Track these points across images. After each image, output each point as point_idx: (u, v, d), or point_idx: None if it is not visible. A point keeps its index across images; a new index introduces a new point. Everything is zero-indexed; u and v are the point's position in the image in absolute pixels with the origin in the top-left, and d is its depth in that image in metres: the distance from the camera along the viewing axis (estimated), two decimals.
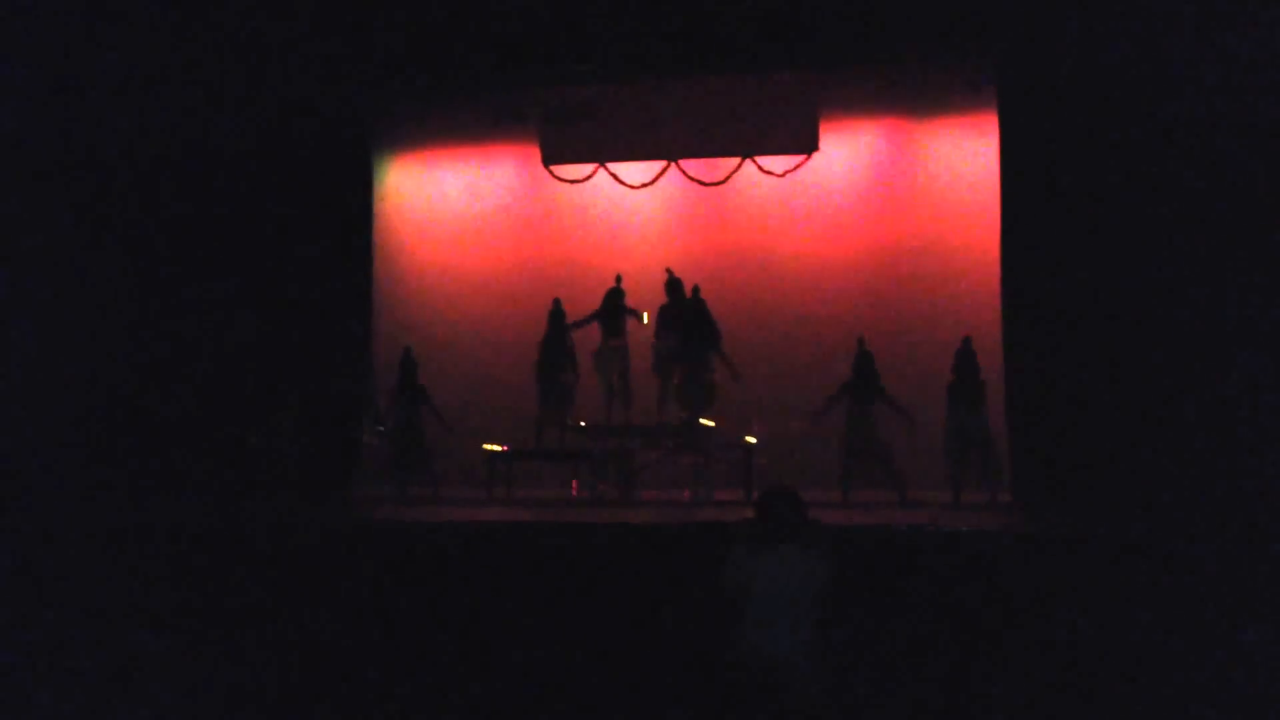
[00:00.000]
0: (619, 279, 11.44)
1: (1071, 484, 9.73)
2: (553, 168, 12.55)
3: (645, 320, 11.41)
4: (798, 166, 12.02)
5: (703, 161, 12.34)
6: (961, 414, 10.16)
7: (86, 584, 7.64)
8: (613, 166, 12.47)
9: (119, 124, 11.58)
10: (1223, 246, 9.46)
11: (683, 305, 11.24)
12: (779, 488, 5.26)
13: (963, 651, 6.55)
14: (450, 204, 13.37)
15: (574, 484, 11.16)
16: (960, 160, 11.93)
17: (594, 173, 12.52)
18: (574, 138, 12.28)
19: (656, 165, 12.38)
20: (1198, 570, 6.81)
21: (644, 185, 12.46)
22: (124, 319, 11.55)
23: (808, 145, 11.82)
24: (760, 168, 12.15)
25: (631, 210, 12.75)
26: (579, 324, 11.41)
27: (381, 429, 11.55)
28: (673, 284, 11.34)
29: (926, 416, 10.33)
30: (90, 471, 10.79)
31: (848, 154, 12.30)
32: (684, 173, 12.36)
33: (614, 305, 11.40)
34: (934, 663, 6.49)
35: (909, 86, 11.92)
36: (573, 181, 12.60)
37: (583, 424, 11.26)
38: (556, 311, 11.48)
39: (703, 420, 10.88)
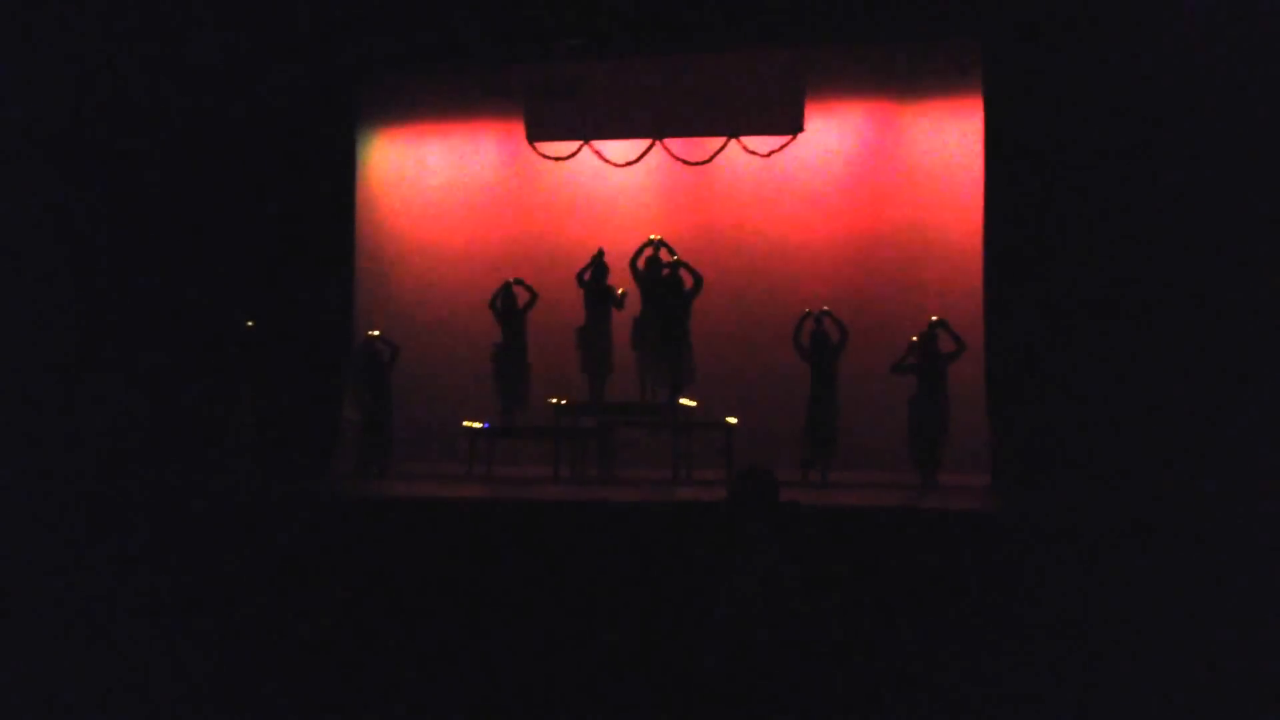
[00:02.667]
0: (601, 253, 11.38)
1: (1052, 467, 9.79)
2: (537, 144, 12.48)
3: (621, 295, 11.33)
4: (782, 147, 11.97)
5: (687, 140, 12.28)
6: (923, 397, 10.27)
7: (63, 563, 7.60)
8: (597, 144, 12.40)
9: (96, 96, 11.47)
10: (1207, 231, 9.51)
11: (659, 282, 11.19)
12: (753, 469, 5.19)
13: (938, 635, 6.57)
14: (434, 180, 13.30)
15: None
16: (945, 143, 11.90)
17: (578, 150, 12.46)
18: (559, 115, 12.20)
19: (641, 143, 12.32)
20: (1178, 554, 6.85)
21: (628, 163, 12.41)
22: (100, 295, 11.45)
23: (793, 126, 11.77)
24: (745, 147, 12.09)
25: (615, 188, 12.70)
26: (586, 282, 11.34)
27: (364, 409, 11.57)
28: (651, 261, 11.29)
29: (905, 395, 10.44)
30: (69, 450, 10.71)
31: (833, 135, 12.26)
32: (668, 151, 12.31)
33: (598, 283, 11.35)
34: (910, 647, 6.51)
35: (895, 68, 11.90)
36: (557, 159, 12.54)
37: (563, 401, 11.23)
38: (508, 294, 11.50)
39: (683, 400, 10.89)
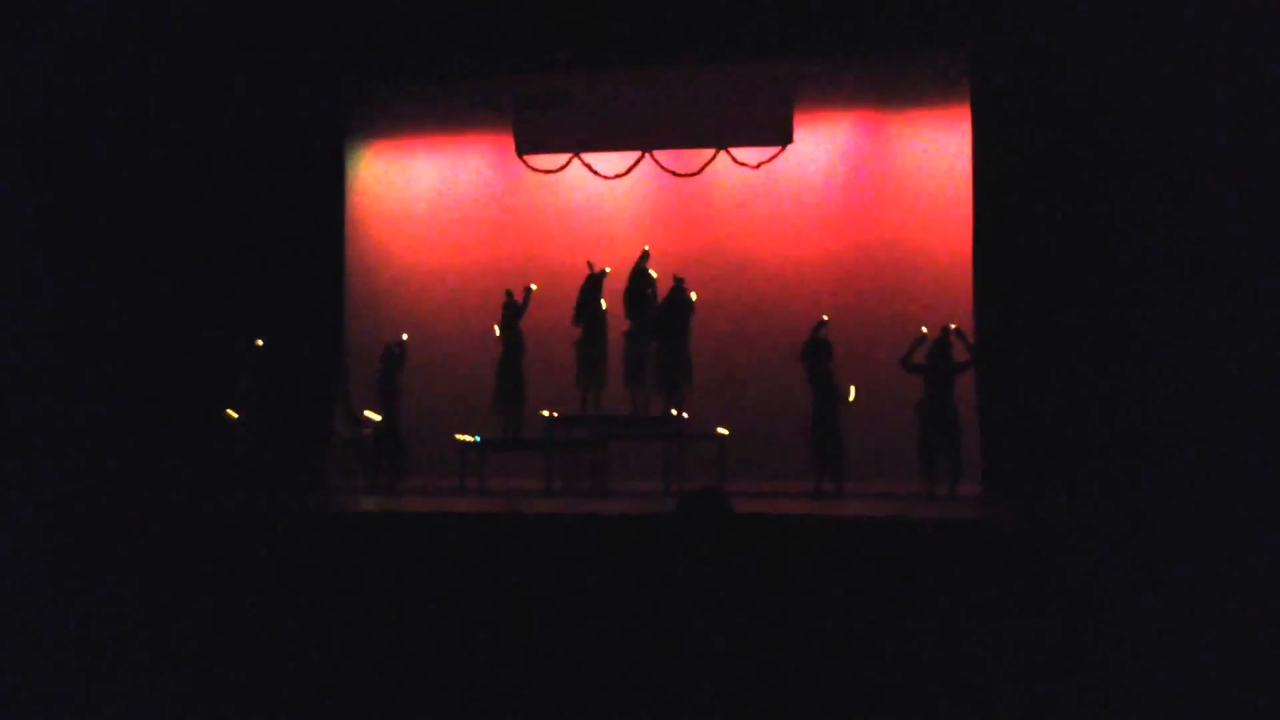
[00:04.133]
0: (591, 266, 11.40)
1: (1042, 475, 9.81)
2: (527, 157, 12.50)
3: (602, 272, 11.36)
4: (772, 158, 12.00)
5: (677, 152, 12.31)
6: (934, 400, 10.23)
7: (56, 579, 7.59)
8: (587, 157, 12.43)
9: (86, 109, 11.48)
10: (1195, 239, 9.54)
11: (652, 294, 11.20)
12: (699, 490, 5.15)
13: (930, 643, 6.58)
14: (424, 193, 13.31)
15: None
16: (933, 152, 11.96)
17: (568, 163, 12.48)
18: (548, 127, 12.22)
19: (630, 156, 12.35)
20: (1171, 559, 6.86)
21: (618, 176, 12.43)
22: (92, 310, 11.44)
23: (782, 137, 11.80)
24: (734, 159, 12.13)
25: (605, 201, 12.72)
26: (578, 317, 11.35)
27: (358, 421, 11.54)
28: (643, 273, 11.30)
29: (899, 406, 10.44)
30: (61, 467, 10.68)
31: (822, 146, 12.31)
32: (658, 163, 12.33)
33: (591, 295, 11.36)
34: (905, 656, 6.52)
35: (883, 79, 11.96)
36: (547, 171, 12.57)
37: (556, 414, 11.24)
38: (509, 304, 11.49)
39: (674, 411, 10.89)
